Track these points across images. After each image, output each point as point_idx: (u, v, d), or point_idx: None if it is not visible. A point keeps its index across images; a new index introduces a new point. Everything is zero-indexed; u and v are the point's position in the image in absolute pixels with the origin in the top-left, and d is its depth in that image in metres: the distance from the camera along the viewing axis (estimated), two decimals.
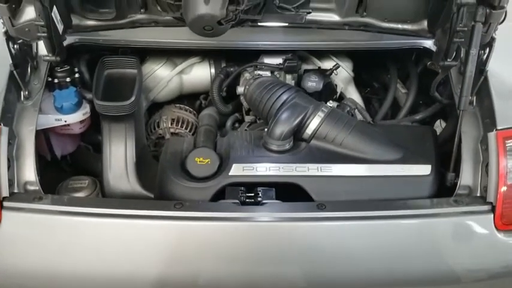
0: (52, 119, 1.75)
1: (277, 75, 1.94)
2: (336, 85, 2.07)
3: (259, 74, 1.89)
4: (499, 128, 1.56)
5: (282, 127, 1.65)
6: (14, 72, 1.62)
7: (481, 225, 1.51)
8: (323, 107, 1.72)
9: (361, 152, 1.64)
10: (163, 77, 1.99)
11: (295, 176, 1.58)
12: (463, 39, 1.54)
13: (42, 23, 1.54)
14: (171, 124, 1.97)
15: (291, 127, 1.65)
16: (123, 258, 1.46)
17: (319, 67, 2.04)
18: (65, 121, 1.76)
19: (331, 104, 1.86)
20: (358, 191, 1.59)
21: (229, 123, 1.99)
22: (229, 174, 1.58)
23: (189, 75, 2.03)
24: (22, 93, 1.66)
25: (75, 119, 1.78)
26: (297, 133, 1.70)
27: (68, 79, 1.81)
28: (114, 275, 1.46)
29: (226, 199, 1.53)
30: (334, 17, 1.84)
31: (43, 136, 1.85)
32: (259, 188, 1.55)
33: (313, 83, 1.90)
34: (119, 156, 1.73)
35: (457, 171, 1.61)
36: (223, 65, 2.02)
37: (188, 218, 1.44)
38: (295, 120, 1.67)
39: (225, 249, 1.45)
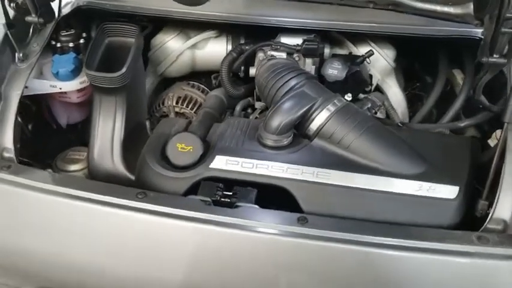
0: (47, 85, 1.65)
1: (296, 58, 1.67)
2: (372, 76, 1.75)
3: (272, 55, 1.64)
4: None
5: (280, 118, 1.39)
6: (8, 32, 1.54)
7: (507, 275, 1.16)
8: (336, 99, 1.43)
9: (371, 160, 1.34)
10: (173, 49, 1.81)
11: (284, 178, 1.33)
12: None
13: None
14: (177, 103, 1.79)
15: (291, 119, 1.39)
16: (73, 242, 1.33)
17: (350, 52, 1.73)
18: (60, 88, 1.66)
19: (349, 97, 1.55)
20: (357, 207, 1.30)
21: (238, 107, 1.76)
22: (210, 166, 1.37)
23: (204, 50, 1.83)
24: (16, 54, 1.58)
25: (70, 87, 1.66)
26: (300, 128, 1.44)
27: (71, 44, 1.70)
28: (60, 257, 1.33)
29: (199, 195, 1.32)
30: None
31: (46, 103, 1.79)
32: (237, 188, 1.33)
33: (334, 71, 1.60)
34: (106, 132, 1.58)
35: (493, 199, 1.26)
36: (242, 41, 1.79)
37: (147, 211, 1.26)
38: (297, 111, 1.40)
39: (180, 252, 1.26)
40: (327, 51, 1.78)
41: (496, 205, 1.23)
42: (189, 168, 1.39)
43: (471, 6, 1.35)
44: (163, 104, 1.82)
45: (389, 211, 1.29)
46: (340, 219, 1.25)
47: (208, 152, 1.42)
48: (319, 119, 1.40)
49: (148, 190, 1.34)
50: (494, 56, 1.23)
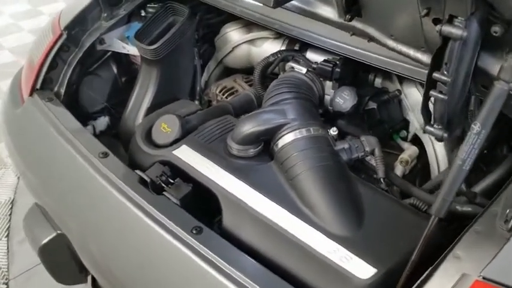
0: (120, 45, 1.91)
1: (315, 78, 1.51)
2: (409, 122, 1.48)
3: (292, 67, 1.53)
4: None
5: (245, 128, 1.33)
6: None
7: None
8: (313, 127, 1.30)
9: (304, 202, 1.19)
10: (231, 40, 1.85)
11: (221, 187, 1.28)
12: None
13: None
14: (220, 91, 1.83)
15: (254, 132, 1.32)
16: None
17: (384, 87, 1.49)
18: (128, 51, 1.89)
19: (334, 132, 1.35)
20: (266, 244, 1.18)
21: None
22: (173, 152, 1.42)
23: (260, 48, 1.81)
24: (102, 14, 1.87)
25: (133, 51, 1.88)
26: (270, 146, 1.36)
27: None
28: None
29: (147, 172, 1.38)
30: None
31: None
32: (178, 180, 1.34)
33: (340, 100, 1.42)
34: (138, 97, 1.75)
35: None
36: (296, 48, 1.71)
37: (95, 169, 1.40)
38: (264, 125, 1.33)
39: (94, 210, 1.40)
40: (378, 81, 1.58)
41: None
42: (159, 147, 1.46)
43: None
44: (210, 89, 1.89)
45: (293, 262, 1.13)
46: (237, 250, 1.15)
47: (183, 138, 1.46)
48: (283, 140, 1.31)
49: (130, 155, 1.50)
50: (435, 126, 0.92)
